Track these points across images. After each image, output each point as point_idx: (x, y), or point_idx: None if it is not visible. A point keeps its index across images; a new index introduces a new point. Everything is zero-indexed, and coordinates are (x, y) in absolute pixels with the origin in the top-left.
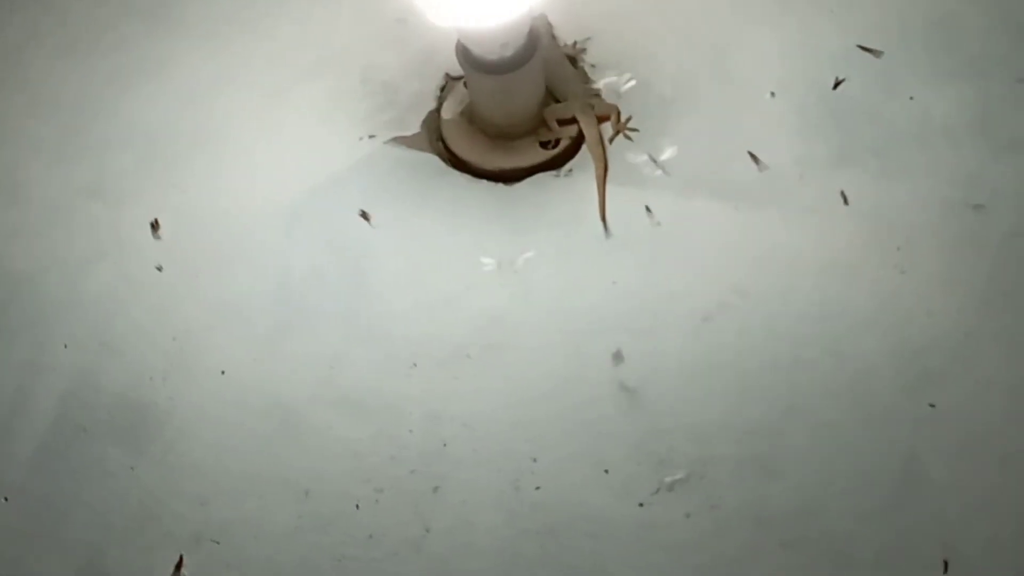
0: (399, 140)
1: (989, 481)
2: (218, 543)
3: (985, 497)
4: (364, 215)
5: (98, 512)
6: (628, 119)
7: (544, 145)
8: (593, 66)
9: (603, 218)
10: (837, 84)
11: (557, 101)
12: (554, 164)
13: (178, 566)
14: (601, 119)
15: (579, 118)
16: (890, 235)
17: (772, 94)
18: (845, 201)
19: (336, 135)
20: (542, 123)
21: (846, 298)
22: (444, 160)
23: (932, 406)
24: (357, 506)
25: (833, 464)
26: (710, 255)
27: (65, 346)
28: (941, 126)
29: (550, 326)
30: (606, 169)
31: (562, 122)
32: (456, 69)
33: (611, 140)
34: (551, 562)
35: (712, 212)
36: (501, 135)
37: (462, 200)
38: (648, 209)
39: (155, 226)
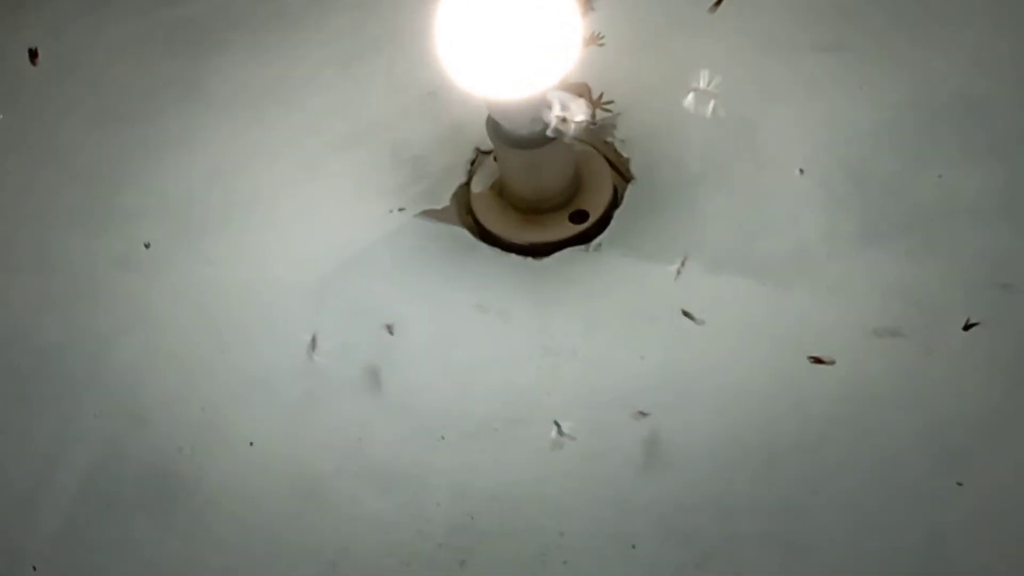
0: (429, 213)
1: (1016, 561)
2: None
3: None
4: (389, 329)
5: None
6: (600, 95)
7: (574, 220)
8: (623, 141)
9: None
10: (968, 326)
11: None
12: (584, 239)
13: None
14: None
15: None
16: (917, 313)
17: (801, 171)
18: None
19: (366, 208)
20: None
21: (873, 375)
22: (473, 233)
23: (959, 484)
24: None
25: (859, 543)
26: (738, 332)
27: (94, 416)
28: (969, 204)
29: (577, 400)
30: None
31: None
32: (486, 143)
33: (592, 118)
34: None
35: (740, 288)
36: (531, 209)
37: (491, 274)
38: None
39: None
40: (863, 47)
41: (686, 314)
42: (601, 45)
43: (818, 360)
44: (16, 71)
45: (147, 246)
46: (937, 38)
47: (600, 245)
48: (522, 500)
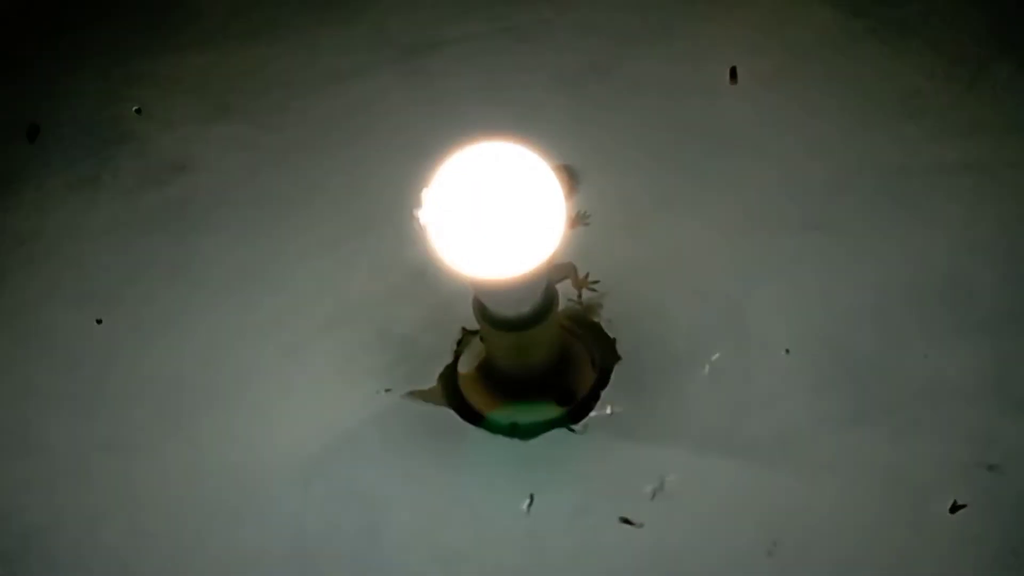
0: (416, 394)
1: None
2: None
3: None
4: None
5: None
6: (587, 275)
7: (561, 402)
8: (610, 321)
9: None
10: (955, 508)
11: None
12: (571, 420)
13: None
14: (561, 278)
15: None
16: (904, 495)
17: (787, 351)
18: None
19: (353, 389)
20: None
21: (862, 557)
22: (460, 414)
23: None
24: None
25: None
26: (725, 514)
27: None
28: (955, 385)
29: None
30: None
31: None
32: (473, 323)
33: (579, 297)
34: None
35: (727, 470)
36: (517, 389)
37: (478, 456)
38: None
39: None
40: (850, 225)
41: (625, 520)
42: (587, 224)
43: (627, 521)
44: (2, 252)
45: (99, 322)
46: (923, 215)
47: (587, 426)
48: None
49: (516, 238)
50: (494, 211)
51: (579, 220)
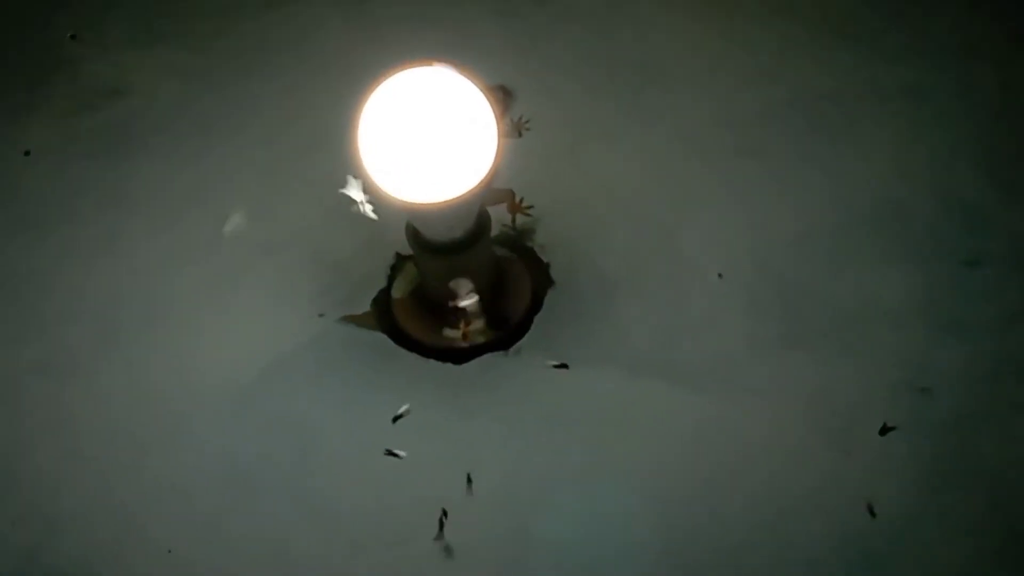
0: (349, 319)
1: None
2: None
3: None
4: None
5: None
6: (521, 200)
7: (494, 326)
8: (543, 246)
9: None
10: (885, 430)
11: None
12: (503, 344)
13: None
14: (497, 202)
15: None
16: (835, 418)
17: (720, 275)
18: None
19: (286, 314)
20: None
21: (791, 480)
22: (393, 339)
23: None
24: None
25: None
26: (655, 436)
27: (11, 524)
28: (886, 309)
29: (495, 505)
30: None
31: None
32: (407, 248)
33: (512, 223)
34: None
35: (659, 392)
36: (451, 314)
37: (411, 379)
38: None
39: None
40: (782, 152)
41: (390, 453)
42: (528, 130)
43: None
44: None
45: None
46: (854, 142)
47: (520, 350)
48: None
49: (448, 163)
50: (427, 136)
51: (518, 127)
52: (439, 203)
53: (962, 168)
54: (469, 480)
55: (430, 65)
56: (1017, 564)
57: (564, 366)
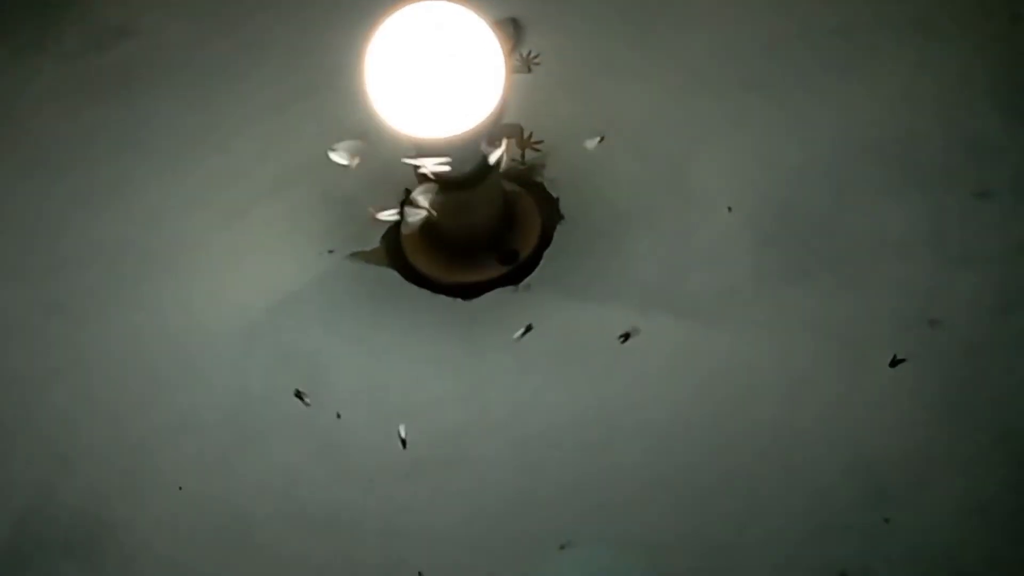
0: (359, 255)
1: None
2: None
3: None
4: (299, 395)
5: None
6: (530, 135)
7: (504, 261)
8: (552, 181)
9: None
10: (895, 362)
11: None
12: (513, 279)
13: None
14: (506, 137)
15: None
16: (844, 350)
17: (729, 208)
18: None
19: (296, 251)
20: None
21: (801, 412)
22: (403, 275)
23: (886, 521)
24: None
25: None
26: (665, 370)
27: (25, 461)
28: (896, 241)
29: (506, 442)
30: None
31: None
32: (416, 184)
33: (522, 157)
34: None
35: (669, 328)
36: (460, 250)
37: (420, 315)
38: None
39: None
40: (790, 85)
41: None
42: (537, 64)
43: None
44: None
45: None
46: (863, 75)
47: (529, 285)
48: (452, 543)
49: (456, 98)
50: (433, 71)
51: (527, 62)
52: (447, 138)
53: (972, 100)
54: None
55: (437, 0)
56: None
57: (529, 328)
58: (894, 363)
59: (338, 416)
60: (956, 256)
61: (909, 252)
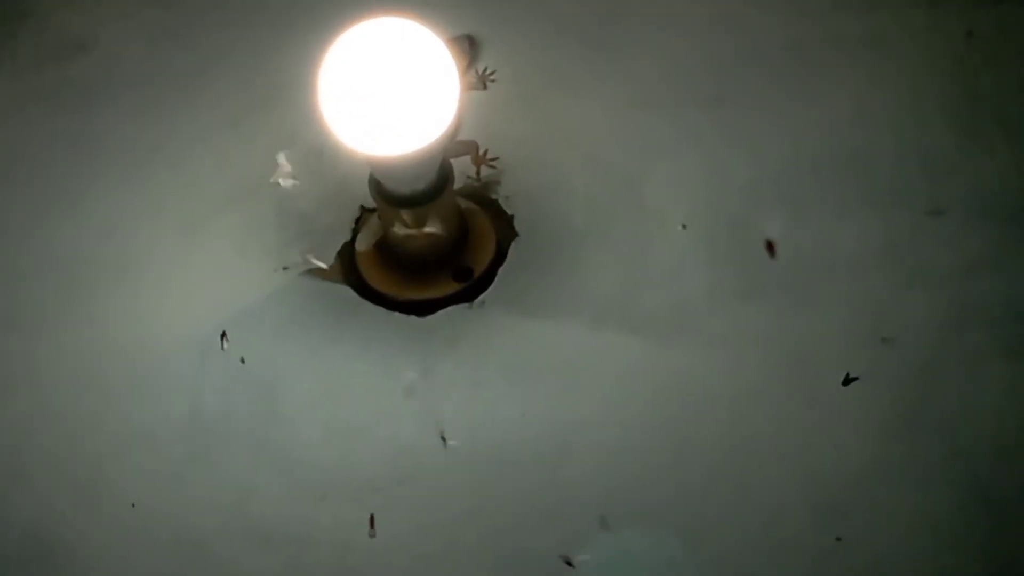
0: (313, 272)
1: None
2: None
3: None
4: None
5: None
6: (486, 152)
7: (458, 278)
8: (507, 197)
9: None
10: (848, 381)
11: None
12: (467, 296)
13: None
14: (461, 154)
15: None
16: (797, 367)
17: (683, 226)
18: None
19: (250, 267)
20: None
21: (754, 430)
22: (358, 292)
23: (838, 539)
24: None
25: None
26: (619, 386)
27: None
28: (850, 258)
29: (459, 459)
30: None
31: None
32: (371, 201)
33: (477, 174)
34: None
35: (622, 343)
36: (415, 267)
37: (375, 332)
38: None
39: None
40: (743, 102)
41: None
42: (493, 81)
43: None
44: None
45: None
46: (815, 92)
47: (484, 302)
48: (405, 560)
49: (410, 115)
50: (388, 89)
51: (483, 79)
52: (402, 155)
53: (924, 117)
54: (444, 439)
55: (391, 16)
56: (977, 511)
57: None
58: (847, 382)
59: (242, 361)
60: (909, 274)
61: (862, 269)
